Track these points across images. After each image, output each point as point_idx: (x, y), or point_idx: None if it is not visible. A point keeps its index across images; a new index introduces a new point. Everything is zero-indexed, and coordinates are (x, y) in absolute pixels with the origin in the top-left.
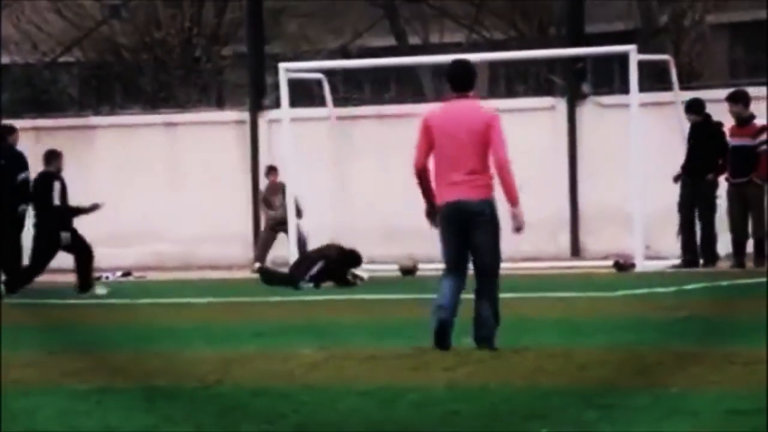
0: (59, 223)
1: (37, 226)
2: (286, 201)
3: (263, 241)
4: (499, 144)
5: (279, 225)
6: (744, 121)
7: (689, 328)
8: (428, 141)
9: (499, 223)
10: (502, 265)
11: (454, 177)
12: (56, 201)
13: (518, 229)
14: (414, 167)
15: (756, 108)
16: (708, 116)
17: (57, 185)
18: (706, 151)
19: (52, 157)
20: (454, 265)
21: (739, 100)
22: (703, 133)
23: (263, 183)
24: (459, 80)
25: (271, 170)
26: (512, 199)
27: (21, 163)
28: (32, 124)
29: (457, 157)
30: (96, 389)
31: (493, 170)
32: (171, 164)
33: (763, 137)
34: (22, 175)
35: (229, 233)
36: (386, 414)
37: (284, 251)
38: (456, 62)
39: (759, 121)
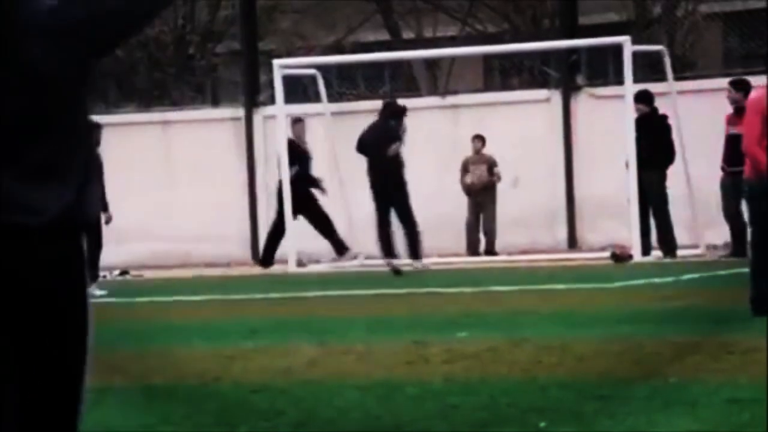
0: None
1: None
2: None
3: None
4: (744, 129)
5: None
6: (742, 109)
7: (687, 318)
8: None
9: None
10: (501, 257)
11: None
12: None
13: None
14: None
15: None
16: (655, 108)
17: None
18: (651, 142)
19: (90, 128)
20: None
21: (742, 87)
22: (649, 125)
23: (262, 178)
24: None
25: (477, 138)
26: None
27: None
28: None
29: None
30: (94, 388)
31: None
32: (167, 162)
33: None
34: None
35: (225, 230)
36: (385, 408)
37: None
38: None
39: None
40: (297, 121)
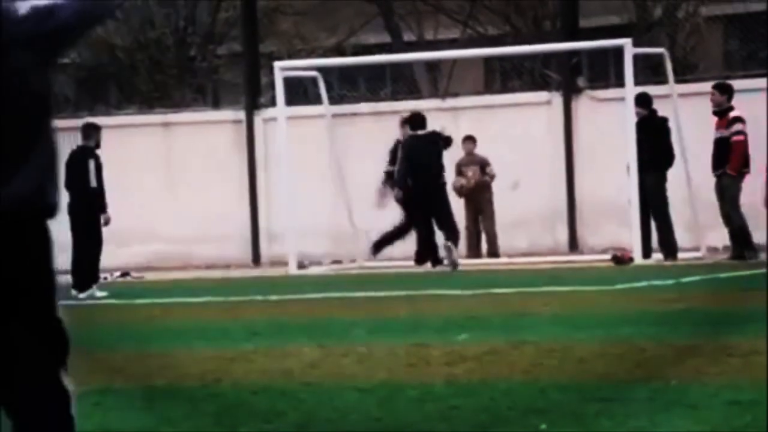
0: (96, 207)
1: (72, 212)
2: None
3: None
4: None
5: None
6: (721, 112)
7: (688, 321)
8: None
9: None
10: (501, 260)
11: None
12: (93, 183)
13: None
14: None
15: (756, 100)
16: (654, 110)
17: (92, 164)
18: (651, 145)
19: (90, 130)
20: None
21: (725, 91)
22: (649, 128)
23: (263, 180)
24: None
25: (468, 139)
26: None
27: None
28: None
29: None
30: (95, 390)
31: None
32: (167, 164)
33: (734, 128)
34: None
35: (226, 232)
36: (386, 410)
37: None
38: None
39: (733, 113)
40: (406, 122)
